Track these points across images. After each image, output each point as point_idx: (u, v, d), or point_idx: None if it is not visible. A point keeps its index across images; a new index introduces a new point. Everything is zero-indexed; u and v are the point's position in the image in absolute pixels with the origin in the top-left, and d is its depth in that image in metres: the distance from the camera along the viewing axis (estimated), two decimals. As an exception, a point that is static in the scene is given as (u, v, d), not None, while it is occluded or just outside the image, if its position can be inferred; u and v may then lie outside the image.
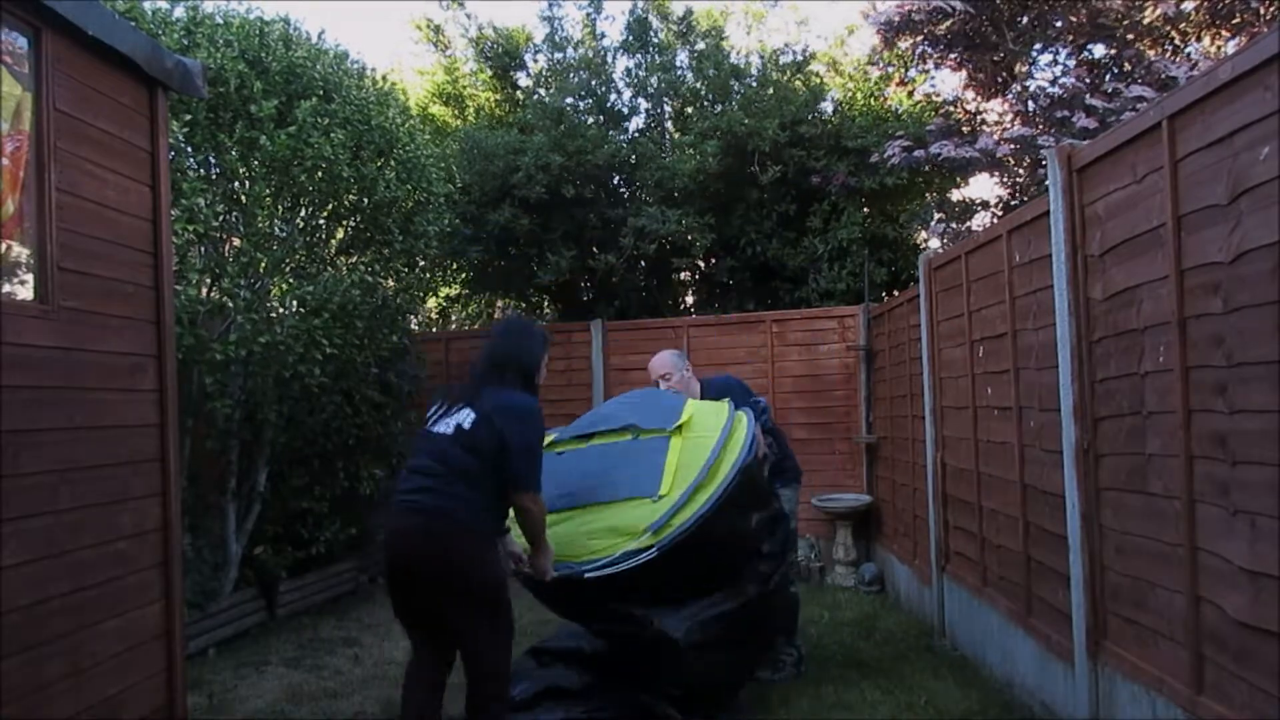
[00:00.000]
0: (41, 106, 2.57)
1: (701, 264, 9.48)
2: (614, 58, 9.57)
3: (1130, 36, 7.41)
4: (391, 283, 6.86)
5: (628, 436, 4.01)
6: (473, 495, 3.09)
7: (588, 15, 9.70)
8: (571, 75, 9.27)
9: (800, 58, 9.35)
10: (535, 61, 10.30)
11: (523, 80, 10.40)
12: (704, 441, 3.85)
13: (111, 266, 2.87)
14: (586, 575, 3.47)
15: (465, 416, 3.16)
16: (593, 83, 9.14)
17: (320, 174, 5.72)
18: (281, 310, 5.92)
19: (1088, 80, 7.42)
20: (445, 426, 3.18)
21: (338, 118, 5.78)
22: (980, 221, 8.25)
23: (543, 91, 9.66)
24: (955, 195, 8.89)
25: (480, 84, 10.52)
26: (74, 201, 2.68)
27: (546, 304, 10.33)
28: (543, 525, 3.34)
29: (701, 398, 4.85)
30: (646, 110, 9.65)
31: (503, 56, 10.17)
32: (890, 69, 8.87)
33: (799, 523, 7.48)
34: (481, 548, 3.13)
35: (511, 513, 3.34)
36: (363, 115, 6.03)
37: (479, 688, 3.14)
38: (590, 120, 9.04)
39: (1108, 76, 7.57)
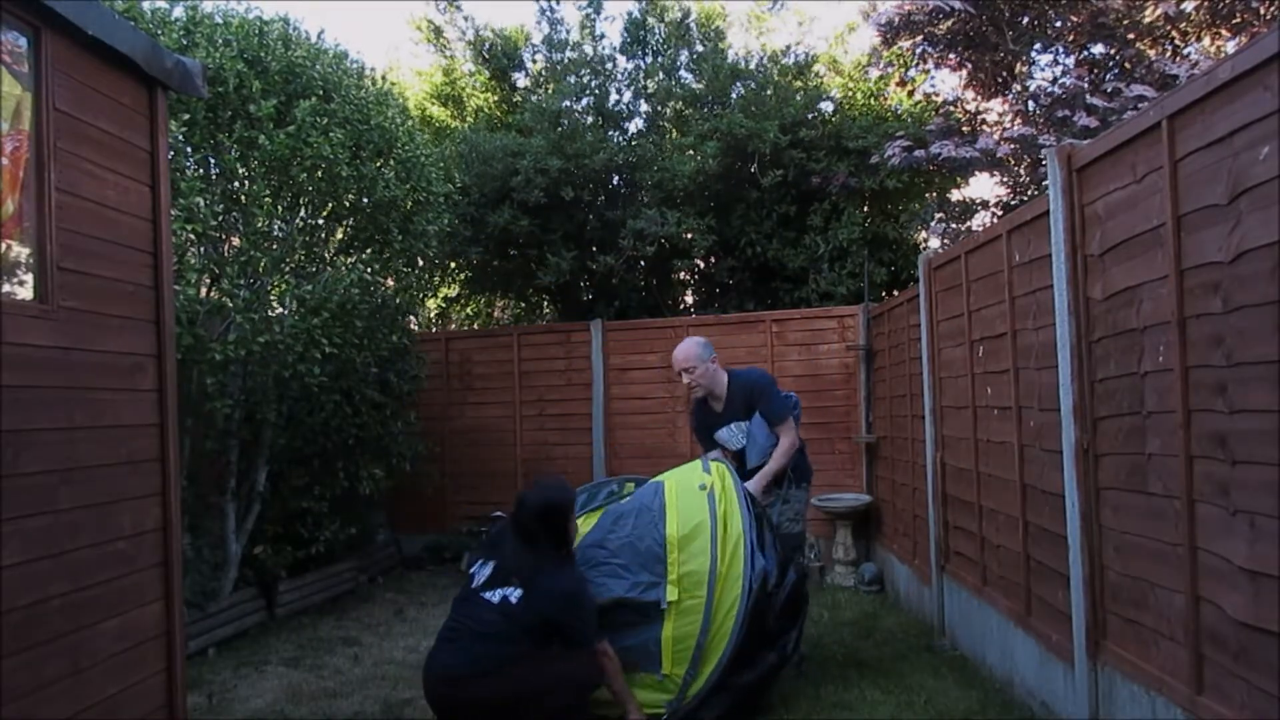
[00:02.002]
0: (41, 106, 2.57)
1: (701, 264, 9.48)
2: (613, 59, 9.58)
3: (1130, 36, 7.41)
4: (391, 282, 6.86)
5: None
6: (510, 650, 3.42)
7: (586, 16, 9.70)
8: (570, 77, 9.27)
9: (802, 60, 9.35)
10: (534, 62, 10.30)
11: (521, 81, 10.40)
12: (694, 609, 3.82)
13: (111, 266, 2.87)
14: None
15: (513, 592, 3.48)
16: (592, 84, 9.14)
17: (319, 173, 5.72)
18: (281, 310, 5.91)
19: (1088, 80, 7.42)
20: (492, 595, 3.51)
21: (337, 117, 5.78)
22: (980, 221, 8.25)
23: (541, 92, 9.66)
24: (955, 195, 8.89)
25: (479, 85, 10.52)
26: (74, 201, 2.68)
27: (546, 304, 10.33)
28: (619, 678, 3.69)
29: (727, 391, 4.77)
30: (646, 112, 9.65)
31: (501, 58, 10.17)
32: (890, 69, 8.87)
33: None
34: (522, 676, 3.42)
35: None
36: (362, 115, 6.03)
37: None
38: (589, 121, 9.03)
39: (1108, 76, 7.57)
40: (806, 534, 4.67)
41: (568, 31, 9.74)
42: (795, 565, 4.40)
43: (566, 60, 9.54)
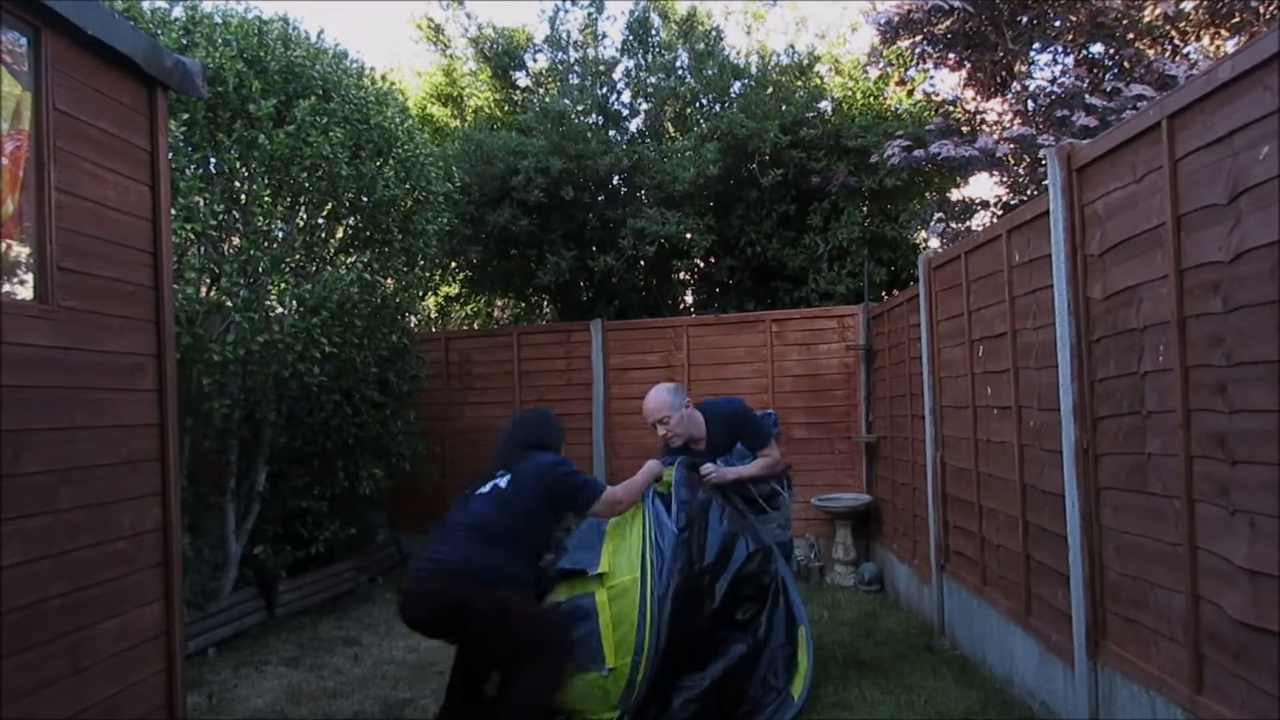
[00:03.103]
0: (41, 106, 2.57)
1: (701, 264, 9.48)
2: (614, 58, 9.57)
3: (1130, 36, 7.41)
4: (391, 282, 6.86)
5: (561, 596, 3.83)
6: (499, 551, 3.45)
7: (589, 15, 9.69)
8: (571, 76, 9.26)
9: (802, 59, 9.35)
10: (535, 61, 10.30)
11: (522, 80, 10.40)
12: (631, 585, 3.71)
13: (111, 266, 2.87)
14: None
15: (503, 479, 3.64)
16: (592, 84, 9.13)
17: (319, 173, 5.71)
18: (280, 309, 5.91)
19: (1087, 79, 7.42)
20: (485, 489, 3.65)
21: (336, 116, 5.77)
22: (980, 221, 8.25)
23: (543, 92, 9.65)
24: (955, 195, 8.89)
25: (480, 84, 10.51)
26: (74, 201, 2.68)
27: (546, 304, 10.33)
28: (626, 490, 3.95)
29: (706, 427, 4.53)
30: (646, 111, 9.64)
31: (502, 56, 10.16)
32: (890, 68, 8.87)
33: (800, 522, 7.49)
34: (506, 595, 3.39)
35: None
36: (361, 114, 6.02)
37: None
38: (590, 120, 9.03)
39: (1107, 76, 7.57)
40: (792, 540, 4.55)
41: (569, 32, 9.74)
42: (750, 539, 4.11)
43: (569, 60, 9.53)
